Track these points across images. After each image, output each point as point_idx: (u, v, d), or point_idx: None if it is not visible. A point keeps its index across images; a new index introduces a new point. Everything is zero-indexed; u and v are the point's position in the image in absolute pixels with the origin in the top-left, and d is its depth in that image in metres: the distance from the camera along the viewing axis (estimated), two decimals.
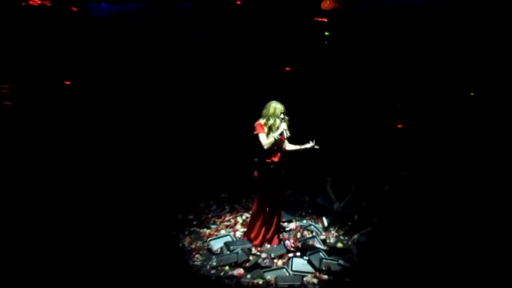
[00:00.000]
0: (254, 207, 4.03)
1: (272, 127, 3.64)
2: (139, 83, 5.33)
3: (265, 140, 3.60)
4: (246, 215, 4.71)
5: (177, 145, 5.67)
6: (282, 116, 3.65)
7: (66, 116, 4.93)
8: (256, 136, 3.63)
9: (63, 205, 4.20)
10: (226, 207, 5.04)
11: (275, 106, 3.65)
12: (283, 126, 3.64)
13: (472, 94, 4.68)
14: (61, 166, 4.73)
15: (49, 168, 4.64)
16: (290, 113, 3.81)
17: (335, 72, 5.56)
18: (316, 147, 3.67)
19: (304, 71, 5.60)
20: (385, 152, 5.26)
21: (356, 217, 4.54)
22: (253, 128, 3.67)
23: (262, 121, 3.68)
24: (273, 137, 3.60)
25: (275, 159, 3.74)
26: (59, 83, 4.83)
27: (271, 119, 3.64)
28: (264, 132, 3.63)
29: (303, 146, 3.76)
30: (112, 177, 4.84)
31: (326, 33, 5.18)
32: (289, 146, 3.82)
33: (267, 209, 3.94)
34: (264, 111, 3.68)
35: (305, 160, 4.98)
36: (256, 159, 3.78)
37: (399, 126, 5.18)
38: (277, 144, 3.71)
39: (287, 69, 5.56)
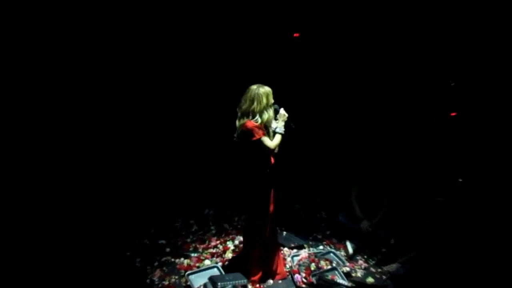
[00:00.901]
0: (248, 228, 3.79)
1: (268, 121, 3.43)
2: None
3: (272, 143, 3.40)
4: (239, 238, 4.45)
5: (153, 145, 5.61)
6: (273, 101, 3.44)
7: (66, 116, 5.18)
8: (258, 142, 3.35)
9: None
10: (212, 227, 4.84)
11: (266, 92, 3.37)
12: (283, 112, 3.47)
13: None
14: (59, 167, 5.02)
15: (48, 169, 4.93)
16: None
17: (363, 39, 5.33)
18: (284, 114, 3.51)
19: (317, 38, 5.41)
20: (434, 150, 5.08)
21: (392, 241, 4.39)
22: (248, 134, 3.37)
23: (254, 120, 3.38)
24: (280, 133, 3.43)
25: (272, 161, 3.55)
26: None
27: (265, 112, 3.38)
28: (264, 133, 3.38)
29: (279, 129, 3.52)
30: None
31: None
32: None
33: (268, 229, 3.67)
34: (254, 106, 3.35)
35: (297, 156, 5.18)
36: (252, 169, 3.54)
37: (453, 114, 4.98)
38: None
39: (296, 35, 5.41)
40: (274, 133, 3.46)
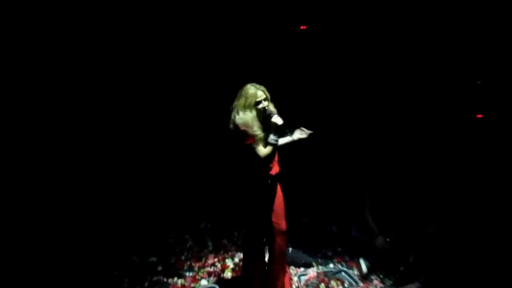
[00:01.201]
0: (248, 245, 3.67)
1: (245, 123, 3.38)
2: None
3: (263, 151, 3.35)
4: (240, 256, 4.42)
5: (145, 152, 5.61)
6: (265, 103, 3.37)
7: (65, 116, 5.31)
8: (249, 147, 3.32)
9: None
10: (209, 243, 4.81)
11: (247, 93, 3.38)
12: (276, 120, 3.32)
13: None
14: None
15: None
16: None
17: (374, 39, 5.27)
18: (306, 133, 3.61)
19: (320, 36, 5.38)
20: (459, 156, 4.94)
21: (411, 258, 4.24)
22: (240, 136, 3.34)
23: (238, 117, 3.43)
24: (272, 141, 3.33)
25: (276, 168, 3.48)
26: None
27: (243, 112, 3.39)
28: (254, 137, 3.35)
29: (294, 137, 3.67)
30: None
31: None
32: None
33: (271, 246, 3.61)
34: (237, 103, 3.44)
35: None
36: (247, 174, 3.47)
37: (479, 116, 4.90)
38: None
39: (303, 27, 5.42)
40: (266, 142, 3.36)
